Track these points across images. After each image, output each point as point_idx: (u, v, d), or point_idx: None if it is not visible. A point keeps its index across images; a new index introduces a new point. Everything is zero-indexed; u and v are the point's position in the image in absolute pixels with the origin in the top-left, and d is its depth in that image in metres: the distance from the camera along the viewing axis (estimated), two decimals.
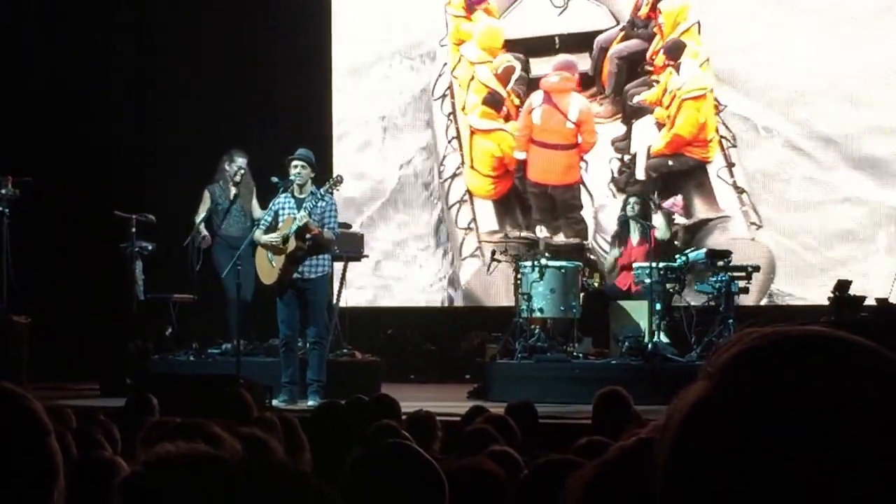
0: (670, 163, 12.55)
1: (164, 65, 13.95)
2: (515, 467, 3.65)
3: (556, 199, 13.01)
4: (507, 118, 13.15)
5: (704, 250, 10.81)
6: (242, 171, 11.40)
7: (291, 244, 9.82)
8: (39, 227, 12.57)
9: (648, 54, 12.74)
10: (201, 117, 13.19)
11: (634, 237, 11.33)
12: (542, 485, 2.80)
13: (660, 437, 1.00)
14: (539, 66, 13.21)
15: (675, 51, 12.49)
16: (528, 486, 2.92)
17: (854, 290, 10.16)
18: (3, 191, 10.80)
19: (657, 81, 12.65)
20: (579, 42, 13.13)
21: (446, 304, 13.44)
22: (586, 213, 12.90)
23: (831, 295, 10.18)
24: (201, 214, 11.40)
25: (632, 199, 11.46)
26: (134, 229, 11.50)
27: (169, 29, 13.93)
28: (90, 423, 5.00)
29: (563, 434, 5.97)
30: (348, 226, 11.87)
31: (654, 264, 10.57)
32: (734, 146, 12.37)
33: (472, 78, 13.28)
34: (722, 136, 12.40)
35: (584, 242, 12.78)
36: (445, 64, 13.53)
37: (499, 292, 12.91)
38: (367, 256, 12.12)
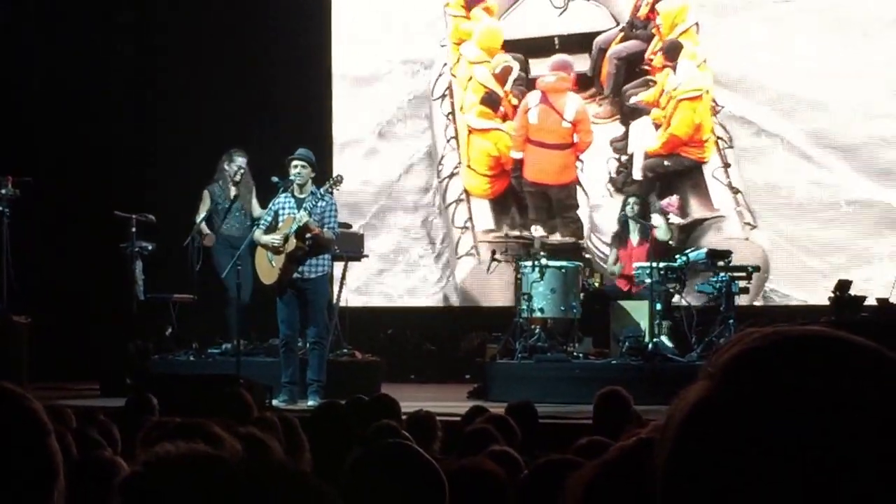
0: (666, 163, 12.58)
1: (164, 65, 13.95)
2: (515, 467, 3.65)
3: (553, 198, 13.03)
4: (505, 118, 13.16)
5: (705, 250, 10.82)
6: (242, 171, 11.40)
7: (291, 244, 9.82)
8: (39, 227, 12.56)
9: (647, 55, 12.76)
10: (201, 117, 13.19)
11: (634, 237, 11.34)
12: (543, 485, 2.80)
13: (660, 437, 1.00)
14: (538, 66, 13.23)
15: (672, 51, 12.51)
16: (529, 486, 2.92)
17: (851, 291, 10.17)
18: (3, 191, 10.80)
19: (655, 82, 12.67)
20: (579, 43, 13.14)
21: (442, 304, 13.44)
22: (582, 213, 12.93)
23: (832, 295, 10.18)
24: (201, 214, 11.40)
25: (631, 200, 11.47)
26: (134, 229, 11.50)
27: (169, 29, 13.93)
28: (90, 423, 5.00)
29: (563, 434, 5.96)
30: (348, 226, 11.87)
31: (654, 264, 10.57)
32: (730, 147, 12.40)
33: (471, 78, 13.29)
34: (718, 137, 12.42)
35: (580, 242, 12.80)
36: (445, 64, 13.54)
37: (494, 291, 12.93)
38: (367, 256, 12.12)
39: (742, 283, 10.53)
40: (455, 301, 13.37)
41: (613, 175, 12.85)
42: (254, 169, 11.45)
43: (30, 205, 11.22)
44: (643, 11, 12.81)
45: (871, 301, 10.27)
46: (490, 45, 13.33)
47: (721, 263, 10.56)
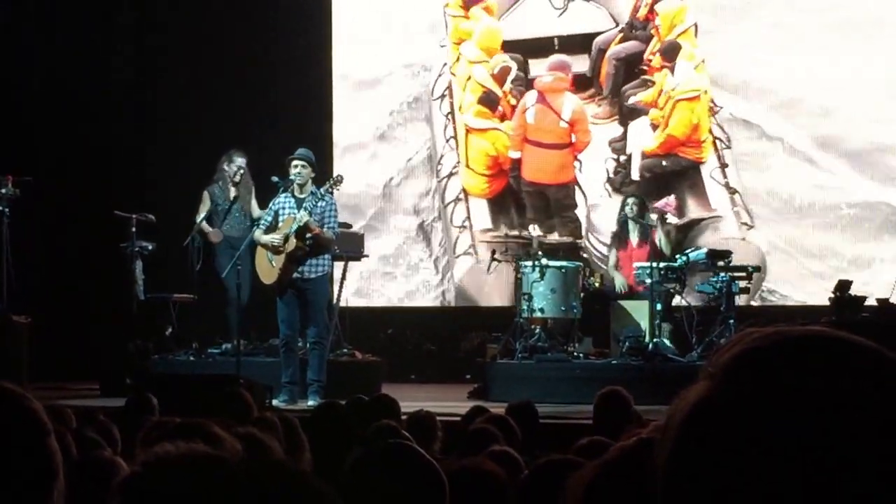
0: (664, 163, 12.60)
1: (164, 65, 13.95)
2: (516, 467, 3.65)
3: (550, 198, 13.05)
4: (503, 118, 13.18)
5: (705, 250, 10.82)
6: (242, 172, 11.40)
7: (291, 244, 9.81)
8: (39, 227, 12.57)
9: (645, 56, 12.77)
10: (201, 117, 13.19)
11: (634, 238, 11.33)
12: (543, 485, 2.80)
13: (660, 437, 1.00)
14: (538, 66, 13.25)
15: (670, 52, 12.54)
16: (529, 486, 2.92)
17: (851, 292, 10.17)
18: (3, 190, 10.80)
19: (653, 82, 12.68)
20: (578, 43, 13.16)
21: (439, 304, 13.44)
22: (580, 213, 12.95)
23: (832, 295, 10.18)
24: (201, 215, 11.39)
25: (630, 200, 11.46)
26: (134, 229, 11.50)
27: (169, 29, 13.92)
28: (90, 423, 5.00)
29: (563, 434, 5.97)
30: (349, 225, 11.87)
31: (654, 264, 10.57)
32: (728, 147, 12.41)
33: (469, 77, 13.31)
34: (716, 138, 12.44)
35: (578, 241, 12.82)
36: (445, 64, 13.54)
37: (491, 291, 12.95)
38: (367, 256, 12.12)
39: (742, 284, 10.53)
40: (452, 300, 13.37)
41: (612, 175, 12.87)
42: (254, 169, 11.45)
43: (30, 205, 11.22)
44: (642, 12, 12.83)
45: (871, 301, 10.27)
46: (489, 45, 13.34)
47: (721, 263, 10.56)
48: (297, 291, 9.92)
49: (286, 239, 9.82)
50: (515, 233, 13.07)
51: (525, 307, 10.67)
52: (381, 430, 4.61)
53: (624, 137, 12.89)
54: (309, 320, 10.00)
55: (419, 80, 13.66)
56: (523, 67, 13.26)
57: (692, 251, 10.91)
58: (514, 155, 13.11)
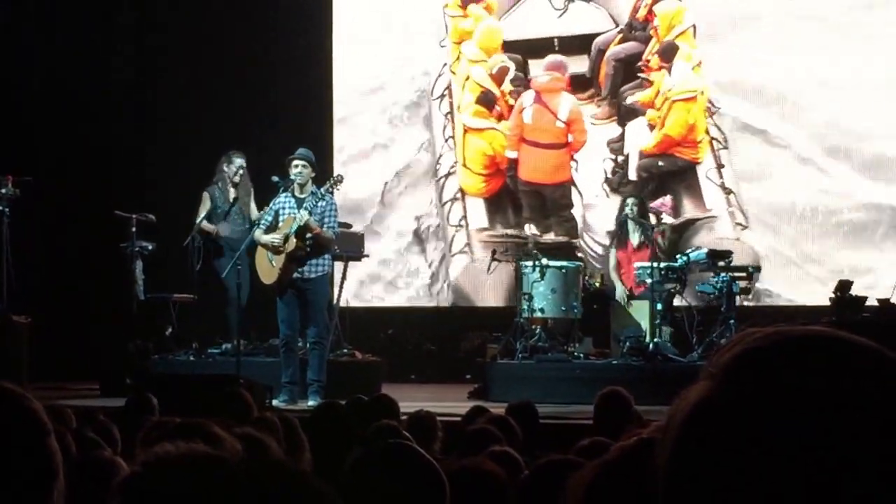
0: (660, 163, 12.62)
1: (164, 65, 13.94)
2: (516, 468, 3.65)
3: (547, 197, 13.07)
4: (501, 117, 13.20)
5: (705, 250, 10.82)
6: (241, 172, 11.40)
7: (292, 244, 9.81)
8: (39, 227, 12.57)
9: (644, 56, 12.78)
10: (201, 117, 13.19)
11: (635, 238, 11.32)
12: (543, 485, 2.80)
13: (661, 438, 1.00)
14: (538, 67, 13.25)
15: (668, 53, 12.56)
16: (529, 486, 2.91)
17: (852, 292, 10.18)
18: (4, 190, 10.80)
19: (651, 83, 12.70)
20: (578, 44, 13.17)
21: (442, 304, 13.44)
22: (576, 212, 12.96)
23: (832, 295, 10.19)
24: (201, 215, 11.39)
25: (630, 200, 11.46)
26: (134, 229, 11.49)
27: (169, 29, 13.92)
28: (90, 423, 5.00)
29: (563, 434, 5.97)
30: (349, 225, 11.86)
31: (655, 264, 10.57)
32: (725, 148, 12.42)
33: (468, 77, 13.33)
34: (713, 138, 12.45)
35: (574, 241, 12.83)
36: (445, 64, 13.55)
37: (487, 290, 12.98)
38: (367, 256, 12.12)
39: (743, 284, 10.52)
40: (449, 299, 13.37)
41: (609, 176, 12.88)
42: (253, 169, 11.44)
43: (30, 205, 11.22)
44: (642, 13, 12.84)
45: (871, 302, 10.27)
46: (489, 45, 13.35)
47: (722, 263, 10.56)
48: (297, 291, 9.92)
49: (286, 239, 9.82)
50: (511, 232, 13.10)
51: (525, 307, 10.67)
52: (381, 430, 4.60)
53: (622, 138, 12.90)
54: (309, 320, 10.00)
55: (419, 80, 13.66)
56: (523, 68, 13.27)
57: (693, 251, 10.90)
58: (511, 154, 13.13)
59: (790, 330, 0.99)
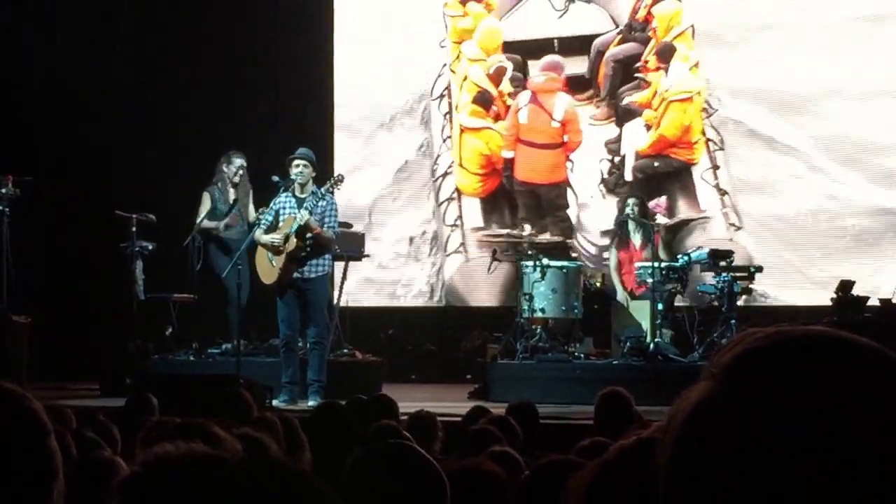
0: (656, 164, 12.64)
1: (164, 65, 13.95)
2: (516, 468, 3.65)
3: (543, 197, 13.09)
4: (498, 118, 13.21)
5: (706, 250, 10.82)
6: (241, 173, 11.39)
7: (292, 243, 9.81)
8: (39, 227, 12.56)
9: (643, 57, 12.79)
10: (201, 117, 13.19)
11: (636, 239, 11.31)
12: (543, 485, 2.80)
13: (662, 438, 1.00)
14: (536, 67, 13.26)
15: (665, 54, 12.57)
16: (529, 486, 2.91)
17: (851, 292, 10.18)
18: (4, 190, 10.80)
19: (648, 83, 12.71)
20: (578, 45, 13.18)
21: (442, 304, 13.45)
22: (571, 212, 12.97)
23: (834, 295, 10.19)
24: (201, 215, 11.39)
25: (630, 201, 11.45)
26: (134, 229, 11.49)
27: (169, 29, 13.93)
28: (90, 423, 4.99)
29: (564, 435, 5.97)
30: (349, 225, 11.86)
31: (656, 264, 10.57)
32: (721, 149, 12.43)
33: (466, 77, 13.34)
34: (709, 139, 12.45)
35: (569, 241, 12.84)
36: (445, 64, 13.56)
37: (481, 290, 13.00)
38: (367, 256, 12.12)
39: (744, 284, 10.52)
40: (443, 299, 13.38)
41: (606, 176, 12.90)
42: (253, 169, 11.44)
43: (30, 205, 11.22)
44: (641, 14, 12.85)
45: (873, 302, 10.26)
46: (489, 45, 13.36)
47: (723, 263, 10.56)
48: (297, 291, 9.92)
49: (286, 239, 9.82)
50: (507, 231, 13.11)
51: (526, 307, 10.67)
52: (382, 431, 4.60)
53: (619, 139, 12.91)
54: (309, 320, 9.99)
55: (419, 80, 13.66)
56: (522, 68, 13.27)
57: (694, 251, 10.91)
58: (507, 154, 13.15)
59: (791, 330, 0.99)
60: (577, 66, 13.15)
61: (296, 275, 9.87)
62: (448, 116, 13.52)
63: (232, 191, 11.38)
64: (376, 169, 13.69)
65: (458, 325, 13.06)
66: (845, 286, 10.17)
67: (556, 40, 13.23)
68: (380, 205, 13.64)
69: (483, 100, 13.21)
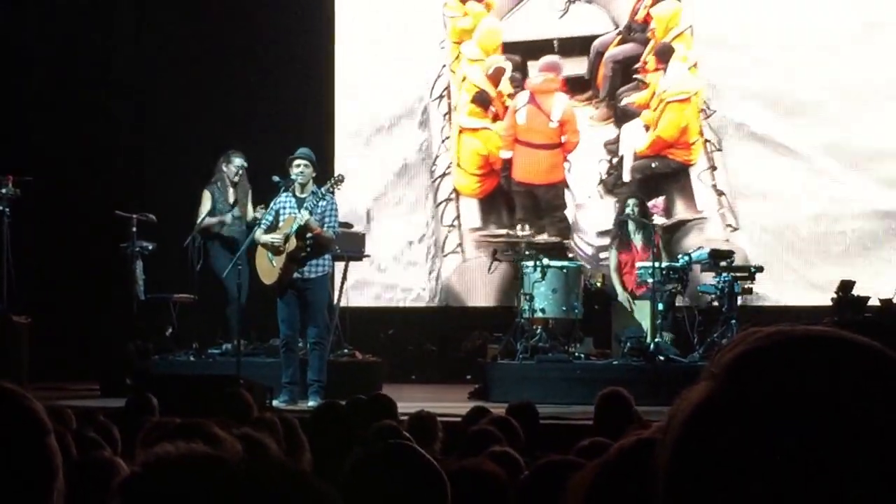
0: (653, 164, 12.66)
1: (164, 65, 13.95)
2: (516, 468, 3.65)
3: (540, 198, 13.10)
4: (496, 118, 13.22)
5: (707, 250, 10.82)
6: (241, 173, 11.39)
7: (292, 244, 9.81)
8: (39, 227, 12.56)
9: (642, 58, 12.80)
10: (201, 117, 13.19)
11: (637, 239, 11.29)
12: (543, 486, 2.80)
13: (662, 438, 1.00)
14: (535, 68, 13.26)
15: (663, 55, 12.58)
16: (529, 486, 2.91)
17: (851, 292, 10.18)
18: (4, 190, 10.80)
19: (646, 84, 12.72)
20: (578, 46, 13.18)
21: (433, 304, 13.44)
22: (569, 213, 12.98)
23: (834, 295, 10.19)
24: (201, 215, 11.39)
25: (630, 201, 11.43)
26: (134, 229, 11.50)
27: (169, 29, 13.92)
28: (90, 423, 4.99)
29: (564, 435, 5.97)
30: (349, 225, 11.86)
31: (656, 264, 10.57)
32: (719, 150, 12.43)
33: (464, 77, 13.35)
34: (707, 140, 12.45)
35: (565, 241, 12.85)
36: (444, 65, 13.56)
37: (478, 290, 13.01)
38: (368, 256, 12.11)
39: (745, 284, 10.52)
40: (440, 299, 13.38)
41: (604, 177, 12.90)
42: (253, 169, 11.44)
43: (30, 205, 11.21)
44: (640, 15, 12.86)
45: (874, 302, 10.26)
46: (489, 45, 13.37)
47: (723, 264, 10.56)
48: (297, 291, 9.91)
49: (287, 239, 9.81)
50: (505, 232, 13.11)
51: (526, 307, 10.66)
52: (382, 431, 4.60)
53: (618, 140, 12.92)
54: (309, 320, 9.99)
55: (419, 80, 13.66)
56: (521, 68, 13.27)
57: (694, 251, 10.91)
58: (505, 155, 13.16)
59: (792, 330, 0.99)
60: (577, 66, 13.16)
61: (296, 275, 9.87)
62: (447, 117, 13.52)
63: (231, 191, 11.38)
64: (376, 169, 13.69)
65: (458, 325, 13.05)
66: (846, 286, 10.18)
67: (555, 41, 13.23)
68: (379, 206, 13.64)
69: (481, 100, 13.22)
